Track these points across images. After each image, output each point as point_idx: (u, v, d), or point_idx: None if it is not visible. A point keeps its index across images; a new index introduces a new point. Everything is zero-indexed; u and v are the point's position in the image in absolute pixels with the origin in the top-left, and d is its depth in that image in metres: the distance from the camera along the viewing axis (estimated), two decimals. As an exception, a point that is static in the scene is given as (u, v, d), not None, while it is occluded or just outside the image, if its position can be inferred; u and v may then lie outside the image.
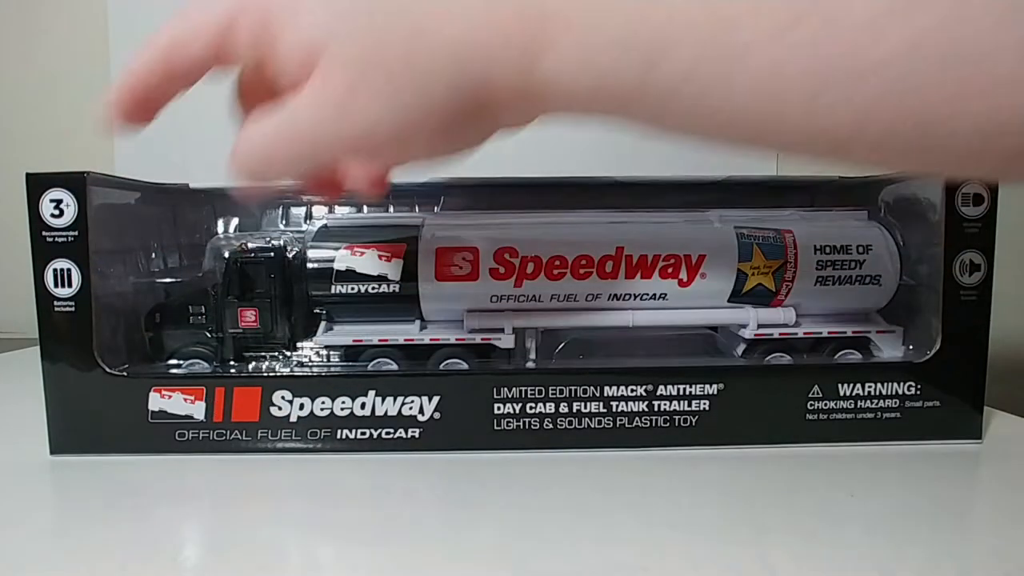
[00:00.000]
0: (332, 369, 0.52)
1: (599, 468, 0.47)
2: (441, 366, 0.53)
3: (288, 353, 0.54)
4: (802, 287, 0.53)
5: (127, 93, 0.32)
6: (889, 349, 0.54)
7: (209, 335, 0.53)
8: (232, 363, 0.53)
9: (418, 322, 0.54)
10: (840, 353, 0.54)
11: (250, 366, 0.53)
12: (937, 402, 0.50)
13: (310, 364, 0.54)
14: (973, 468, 0.48)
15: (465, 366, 0.53)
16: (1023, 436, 0.52)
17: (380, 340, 0.52)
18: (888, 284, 0.53)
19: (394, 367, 0.52)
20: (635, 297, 0.53)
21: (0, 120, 1.02)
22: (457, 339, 0.52)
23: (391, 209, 0.62)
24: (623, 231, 0.53)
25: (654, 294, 0.53)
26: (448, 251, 0.52)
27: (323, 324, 0.53)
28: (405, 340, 0.52)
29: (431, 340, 0.52)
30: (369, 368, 0.52)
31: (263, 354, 0.53)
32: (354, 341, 0.52)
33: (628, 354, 0.57)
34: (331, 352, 0.54)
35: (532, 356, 0.54)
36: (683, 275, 0.52)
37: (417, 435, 0.49)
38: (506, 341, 0.52)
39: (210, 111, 0.95)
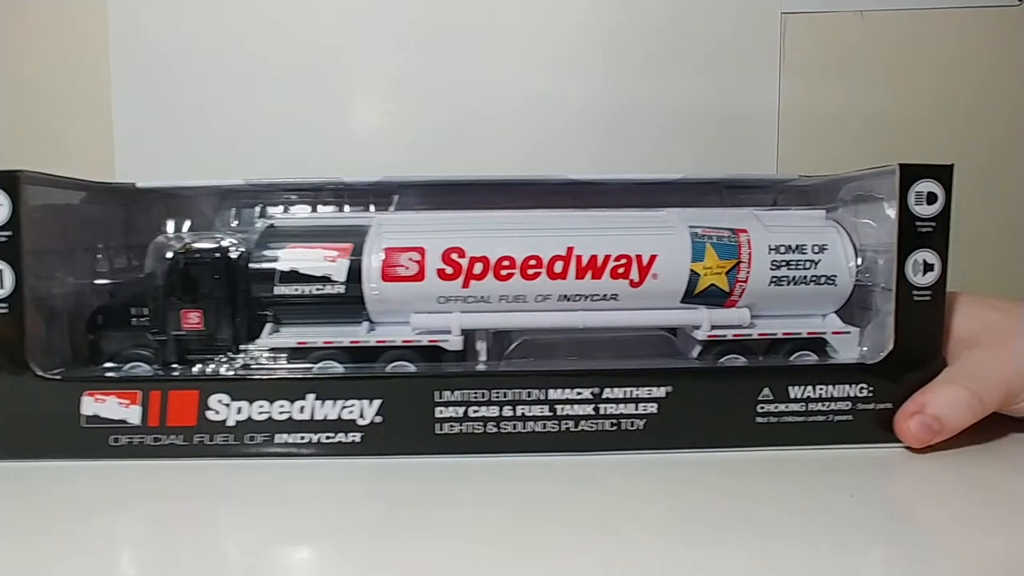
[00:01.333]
0: (270, 372, 0.51)
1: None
2: (388, 368, 0.52)
3: (234, 356, 0.53)
4: (756, 287, 0.52)
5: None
6: (845, 350, 0.53)
7: (152, 337, 0.52)
8: (176, 366, 0.52)
9: (366, 324, 0.53)
10: (796, 354, 0.53)
11: (195, 369, 0.52)
12: (890, 404, 0.49)
13: (257, 367, 0.53)
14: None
15: (413, 368, 0.52)
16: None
17: (325, 342, 0.51)
18: (844, 284, 0.52)
19: (340, 370, 0.52)
20: (586, 298, 0.52)
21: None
22: (404, 341, 0.51)
23: (347, 209, 0.62)
24: (574, 231, 0.52)
25: (605, 295, 0.51)
26: (394, 251, 0.51)
27: (269, 326, 0.52)
28: (351, 342, 0.51)
29: (377, 342, 0.51)
30: (315, 371, 0.51)
31: (208, 357, 0.52)
32: (298, 343, 0.51)
33: (585, 356, 0.56)
34: (279, 355, 0.53)
35: (483, 358, 0.54)
36: (634, 275, 0.51)
37: (358, 439, 0.48)
38: (454, 343, 0.51)
39: (209, 112, 0.98)
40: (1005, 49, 0.91)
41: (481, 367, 0.53)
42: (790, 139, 0.91)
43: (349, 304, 0.51)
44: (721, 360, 0.53)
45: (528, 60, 0.92)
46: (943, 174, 0.48)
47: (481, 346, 0.53)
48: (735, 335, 0.52)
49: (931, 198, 0.48)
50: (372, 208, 0.62)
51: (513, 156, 0.93)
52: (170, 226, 0.58)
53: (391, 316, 0.52)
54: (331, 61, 0.92)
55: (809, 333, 0.53)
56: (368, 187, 0.57)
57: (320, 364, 0.51)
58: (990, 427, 0.50)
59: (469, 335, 0.53)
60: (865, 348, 0.52)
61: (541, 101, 0.92)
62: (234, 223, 0.59)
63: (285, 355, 0.52)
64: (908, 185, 0.48)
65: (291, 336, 0.52)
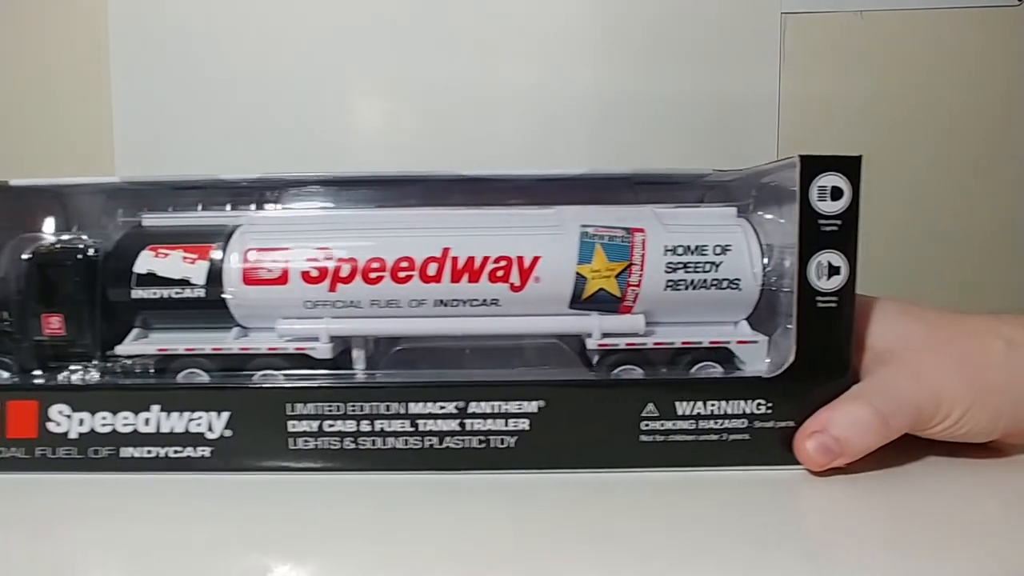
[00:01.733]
0: (113, 381, 0.48)
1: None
2: (255, 378, 0.49)
3: (100, 363, 0.50)
4: (650, 292, 0.47)
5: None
6: (753, 361, 0.48)
7: (14, 343, 0.49)
8: (38, 373, 0.49)
9: (236, 330, 0.49)
10: (698, 366, 0.49)
11: (60, 376, 0.49)
12: (791, 422, 0.44)
13: (123, 375, 0.50)
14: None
15: (281, 377, 0.48)
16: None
17: (187, 349, 0.48)
18: (749, 289, 0.48)
19: (205, 379, 0.49)
20: (464, 303, 0.48)
21: (-1, 120, 1.02)
22: (269, 348, 0.48)
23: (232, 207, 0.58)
24: (453, 230, 0.48)
25: (485, 300, 0.47)
26: (256, 253, 0.47)
27: (136, 331, 0.50)
28: (212, 349, 0.48)
29: (240, 349, 0.48)
30: (178, 380, 0.49)
31: (71, 364, 0.50)
32: (159, 350, 0.48)
33: (479, 367, 0.52)
34: (147, 362, 0.50)
35: (361, 367, 0.50)
36: (515, 279, 0.47)
37: (208, 454, 0.45)
38: (321, 351, 0.48)
39: (209, 111, 0.99)
40: (1005, 49, 0.90)
41: (362, 376, 0.49)
42: (791, 141, 0.90)
43: (212, 308, 0.48)
44: (615, 372, 0.49)
45: (530, 55, 0.90)
46: (850, 167, 0.43)
47: (358, 355, 0.50)
48: (628, 344, 0.48)
49: (836, 193, 0.43)
50: (270, 207, 0.59)
51: (514, 149, 0.91)
52: (48, 225, 0.55)
53: (259, 321, 0.49)
54: (327, 58, 0.92)
55: (712, 343, 0.48)
56: (251, 184, 0.54)
57: (184, 373, 0.49)
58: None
59: (352, 343, 0.50)
60: (768, 360, 0.47)
61: (541, 95, 0.90)
62: (120, 223, 0.57)
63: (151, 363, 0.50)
64: (810, 179, 0.43)
65: (156, 343, 0.49)
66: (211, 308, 0.48)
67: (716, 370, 0.49)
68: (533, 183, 0.55)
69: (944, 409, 0.43)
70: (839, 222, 0.43)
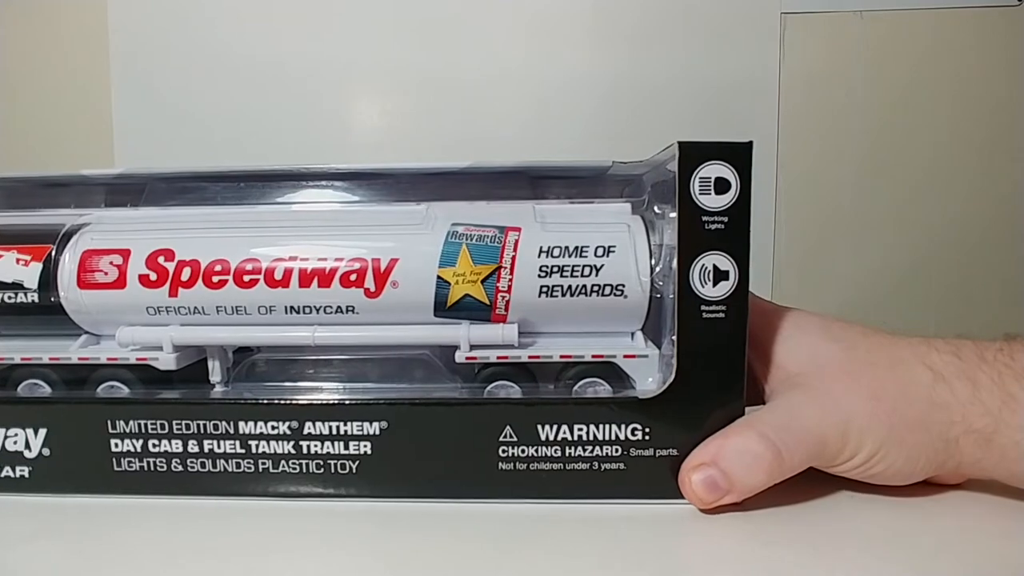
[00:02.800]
0: None
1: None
2: (99, 390, 0.45)
3: (-54, 371, 0.47)
4: (523, 299, 0.42)
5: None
6: (642, 378, 0.42)
7: None
8: None
9: (84, 337, 0.46)
10: (583, 383, 0.43)
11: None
12: (673, 450, 0.39)
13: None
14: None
15: (126, 390, 0.44)
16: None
17: (23, 358, 0.44)
18: (635, 296, 0.42)
19: (47, 391, 0.45)
20: (317, 310, 0.43)
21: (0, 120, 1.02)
22: (108, 358, 0.44)
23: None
24: (307, 230, 0.43)
25: (339, 307, 0.43)
26: (94, 254, 0.43)
27: (-23, 339, 0.46)
28: (50, 359, 0.44)
29: (79, 359, 0.44)
30: (18, 392, 0.45)
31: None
32: (-6, 359, 0.45)
33: (376, 379, 0.48)
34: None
35: (217, 379, 0.46)
36: (369, 284, 0.42)
37: (27, 474, 0.41)
38: (165, 361, 0.44)
39: (209, 111, 0.94)
40: (1005, 49, 0.90)
41: (220, 389, 0.45)
42: (791, 140, 0.91)
43: (50, 314, 0.44)
44: (489, 389, 0.44)
45: (531, 50, 0.92)
46: (738, 155, 0.37)
47: (214, 364, 0.45)
48: (499, 357, 0.43)
49: (721, 186, 0.37)
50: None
51: (512, 135, 0.93)
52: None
53: (106, 329, 0.45)
54: (326, 55, 0.93)
55: (594, 356, 0.42)
56: (112, 180, 0.50)
57: (24, 384, 0.45)
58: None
59: (207, 353, 0.46)
60: (654, 378, 0.41)
61: (542, 91, 0.92)
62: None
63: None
64: (692, 169, 0.37)
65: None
66: (48, 313, 0.44)
67: (604, 388, 0.43)
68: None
69: (852, 445, 0.37)
70: (725, 219, 0.37)
